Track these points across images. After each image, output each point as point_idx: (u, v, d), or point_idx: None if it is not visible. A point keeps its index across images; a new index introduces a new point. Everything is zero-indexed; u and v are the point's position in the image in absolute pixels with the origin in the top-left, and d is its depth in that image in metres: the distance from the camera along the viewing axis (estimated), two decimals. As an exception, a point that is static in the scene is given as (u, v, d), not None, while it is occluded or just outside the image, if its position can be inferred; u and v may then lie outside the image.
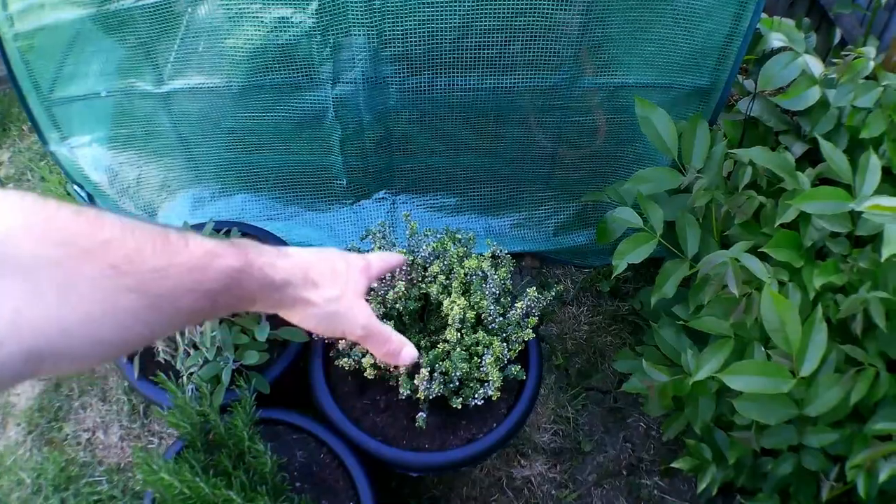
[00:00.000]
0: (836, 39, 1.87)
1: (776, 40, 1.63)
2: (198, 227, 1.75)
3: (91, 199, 2.14)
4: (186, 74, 1.80)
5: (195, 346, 1.58)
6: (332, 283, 0.67)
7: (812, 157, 1.65)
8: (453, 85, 1.77)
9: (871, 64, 1.48)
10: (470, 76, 1.75)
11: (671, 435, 1.70)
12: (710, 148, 1.66)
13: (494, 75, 1.75)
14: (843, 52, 1.60)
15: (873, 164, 1.29)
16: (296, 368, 1.67)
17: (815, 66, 1.59)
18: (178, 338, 1.59)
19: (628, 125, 1.88)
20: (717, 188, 1.62)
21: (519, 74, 1.75)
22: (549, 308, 1.58)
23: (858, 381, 1.24)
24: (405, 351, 0.73)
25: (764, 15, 1.65)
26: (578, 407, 1.92)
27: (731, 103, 1.90)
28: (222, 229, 1.77)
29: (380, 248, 1.61)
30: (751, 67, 1.81)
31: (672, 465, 1.64)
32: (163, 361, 1.65)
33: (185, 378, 1.61)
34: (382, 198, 2.08)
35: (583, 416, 1.91)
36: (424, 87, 1.78)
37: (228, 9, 1.66)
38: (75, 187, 2.13)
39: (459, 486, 1.82)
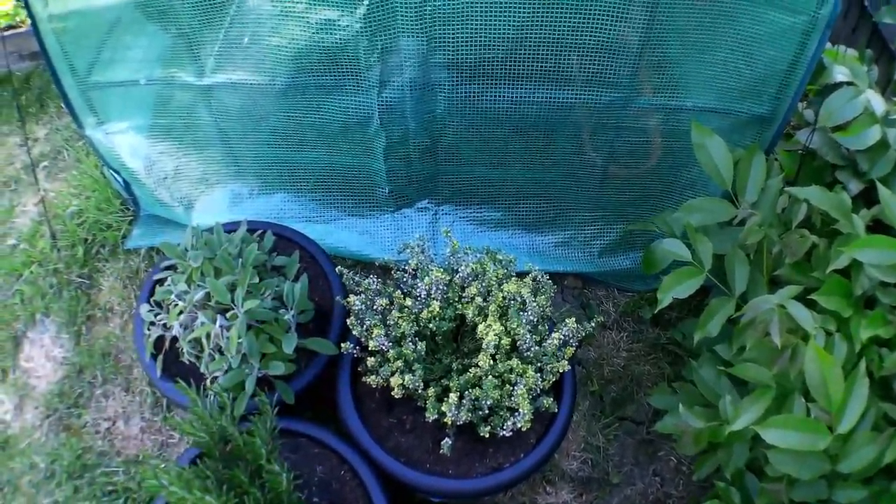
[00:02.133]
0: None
1: (839, 74, 1.63)
2: (230, 226, 1.80)
3: (127, 186, 2.21)
4: (228, 69, 1.87)
5: (220, 352, 1.64)
6: None
7: (868, 196, 1.65)
8: (504, 96, 1.82)
9: None
10: (522, 88, 1.80)
11: (703, 475, 1.74)
12: (766, 180, 1.66)
13: (547, 89, 1.79)
14: None
15: None
16: (322, 380, 1.73)
17: (878, 103, 1.60)
18: (204, 341, 1.65)
19: (682, 149, 1.90)
20: (770, 225, 1.63)
21: (573, 89, 1.79)
22: (589, 332, 1.61)
23: (894, 440, 1.26)
24: None
25: (828, 44, 1.65)
26: (610, 436, 1.96)
27: (789, 133, 1.90)
28: (256, 230, 1.82)
29: (418, 263, 1.65)
30: (812, 97, 1.81)
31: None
32: (187, 363, 1.72)
33: (207, 382, 1.68)
34: (425, 207, 2.14)
35: (613, 445, 1.95)
36: (474, 96, 1.83)
37: (274, 6, 1.71)
38: (112, 172, 2.20)
39: (482, 510, 1.87)
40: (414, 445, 1.65)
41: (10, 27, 2.74)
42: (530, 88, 1.80)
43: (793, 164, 1.79)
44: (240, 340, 1.60)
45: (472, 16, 1.66)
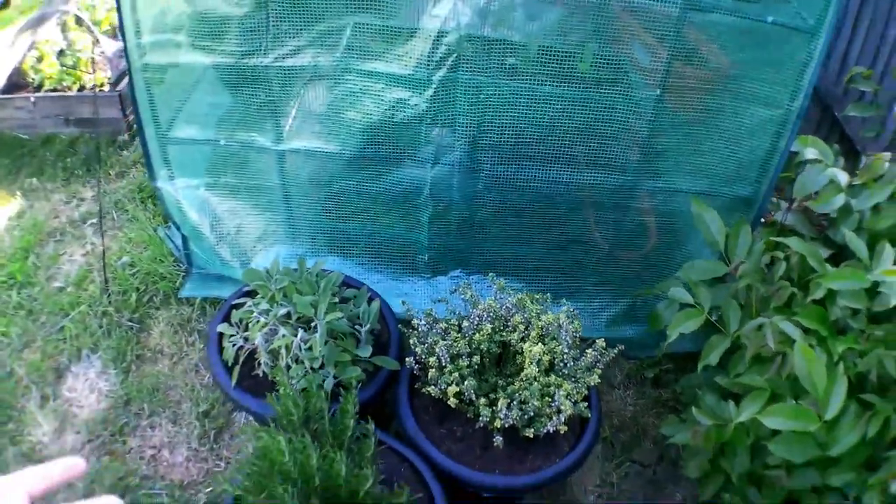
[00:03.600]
0: (863, 163, 2.51)
1: (810, 153, 2.26)
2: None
3: (185, 242, 2.66)
4: (305, 136, 2.40)
5: (298, 360, 2.06)
6: None
7: (835, 260, 2.23)
8: (535, 176, 2.37)
9: (887, 164, 2.10)
10: (550, 170, 2.36)
11: (708, 494, 2.18)
12: (751, 246, 2.25)
13: (571, 171, 2.36)
14: (865, 154, 2.24)
15: (888, 251, 1.89)
16: (382, 396, 2.14)
17: (842, 177, 2.20)
18: (283, 351, 2.07)
19: (680, 228, 2.49)
20: (756, 279, 2.19)
21: (592, 172, 2.36)
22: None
23: (872, 422, 1.76)
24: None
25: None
26: (622, 475, 2.39)
27: (768, 221, 2.52)
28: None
29: (471, 294, 2.14)
30: (785, 186, 2.44)
31: (710, 517, 2.10)
32: (261, 374, 2.13)
33: (281, 390, 2.08)
34: (457, 276, 2.65)
35: (625, 483, 2.38)
36: (510, 175, 2.38)
37: (354, 84, 2.28)
38: (168, 228, 2.65)
39: (507, 534, 2.25)
40: (464, 450, 2.06)
41: (54, 90, 3.23)
42: (556, 170, 2.35)
43: (771, 237, 2.39)
44: (321, 350, 2.03)
45: (516, 105, 2.24)
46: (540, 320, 2.10)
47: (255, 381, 2.15)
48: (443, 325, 2.11)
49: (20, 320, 2.67)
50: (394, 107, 2.29)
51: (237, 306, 2.23)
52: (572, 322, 2.11)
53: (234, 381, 2.12)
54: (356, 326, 2.13)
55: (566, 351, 2.05)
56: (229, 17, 2.20)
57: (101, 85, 3.31)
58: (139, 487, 2.30)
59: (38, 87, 3.32)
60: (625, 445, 2.47)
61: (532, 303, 2.16)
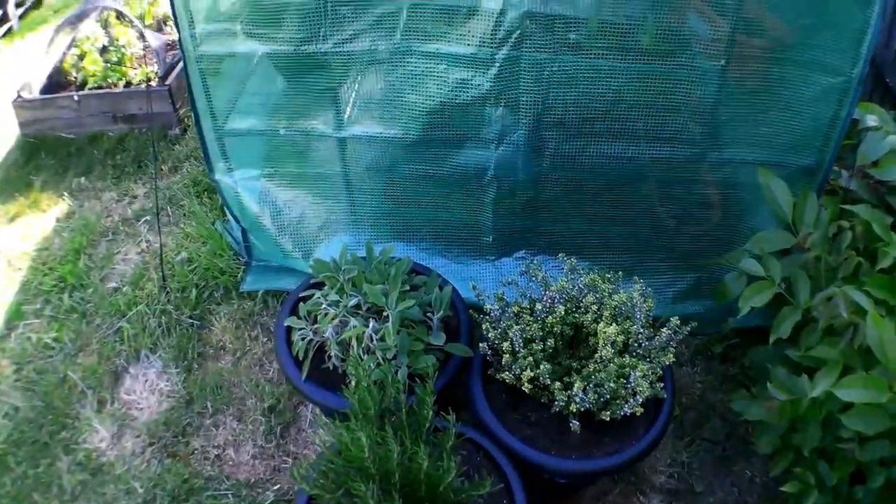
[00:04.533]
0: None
1: (870, 120, 2.26)
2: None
3: (244, 234, 2.68)
4: (366, 122, 2.43)
5: (370, 351, 2.08)
6: None
7: (896, 227, 2.24)
8: (599, 152, 2.40)
9: None
10: (615, 146, 2.39)
11: (779, 470, 2.20)
12: (818, 215, 2.25)
13: (636, 146, 2.39)
14: None
15: None
16: (454, 384, 2.16)
17: (903, 143, 2.21)
18: (354, 342, 2.08)
19: (744, 200, 2.50)
20: (824, 246, 2.19)
21: (657, 146, 2.39)
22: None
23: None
24: None
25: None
26: (692, 453, 2.41)
27: (830, 189, 2.51)
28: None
29: (543, 276, 2.14)
30: (847, 154, 2.43)
31: (782, 488, 2.10)
32: (330, 367, 2.15)
33: (353, 382, 2.10)
34: (522, 257, 2.69)
35: (695, 461, 2.40)
36: (575, 153, 2.41)
37: (416, 66, 2.28)
38: (226, 222, 2.67)
39: (582, 517, 2.27)
40: (539, 435, 2.08)
41: (98, 87, 3.25)
42: (622, 146, 2.38)
43: (834, 205, 2.39)
44: (394, 340, 2.04)
45: (580, 81, 2.26)
46: (612, 300, 2.12)
47: (324, 374, 2.18)
48: (515, 308, 2.12)
49: (73, 324, 2.74)
50: (456, 88, 2.32)
51: (304, 299, 2.26)
52: (645, 301, 2.11)
53: (304, 375, 2.14)
54: (427, 314, 2.15)
55: (641, 331, 2.06)
56: (286, 3, 2.23)
57: (149, 80, 3.32)
58: (204, 489, 2.36)
59: (82, 86, 3.37)
60: (694, 423, 2.49)
61: (603, 282, 2.17)
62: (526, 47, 2.18)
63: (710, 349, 2.66)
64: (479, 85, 2.28)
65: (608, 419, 2.02)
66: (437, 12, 2.21)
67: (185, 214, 3.00)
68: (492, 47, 2.19)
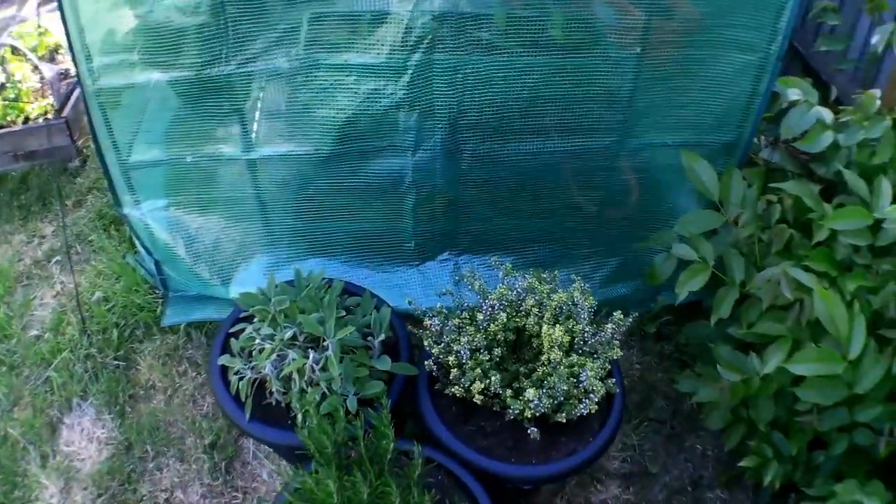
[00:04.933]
0: (833, 96, 2.46)
1: (793, 94, 2.20)
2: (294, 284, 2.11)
3: (158, 267, 2.47)
4: (275, 141, 2.24)
5: (313, 383, 1.93)
6: None
7: (823, 195, 2.20)
8: (518, 150, 2.28)
9: (878, 102, 2.05)
10: (534, 141, 2.27)
11: (733, 444, 2.16)
12: (745, 193, 2.18)
13: (555, 139, 2.28)
14: (853, 95, 2.19)
15: (886, 186, 1.87)
16: (401, 400, 2.03)
17: (827, 115, 2.16)
18: (296, 376, 1.93)
19: (665, 182, 2.42)
20: (756, 224, 2.13)
21: (576, 138, 2.27)
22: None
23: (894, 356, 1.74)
24: None
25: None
26: (641, 435, 2.35)
27: (750, 159, 2.46)
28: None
29: (480, 286, 2.02)
30: (764, 127, 2.37)
31: (740, 464, 2.06)
32: (273, 403, 1.99)
33: (299, 416, 1.95)
34: (446, 259, 2.55)
35: (645, 443, 2.34)
36: (494, 152, 2.28)
37: (325, 80, 2.11)
38: (137, 254, 2.45)
39: (543, 514, 2.19)
40: (496, 445, 1.98)
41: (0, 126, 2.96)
42: (540, 141, 2.26)
43: (759, 179, 2.34)
44: (339, 371, 1.89)
45: (495, 81, 2.12)
46: (552, 300, 2.01)
47: (267, 411, 2.02)
48: (456, 321, 1.99)
49: (3, 377, 2.47)
50: (368, 98, 2.15)
51: (233, 334, 2.08)
52: (587, 298, 2.01)
53: (248, 415, 1.98)
54: (367, 337, 2.00)
55: (586, 329, 1.96)
56: (184, 28, 2.01)
57: (46, 113, 3.02)
58: (160, 536, 2.16)
59: None
60: (638, 405, 2.44)
61: (541, 283, 2.06)
62: (438, 51, 2.02)
63: (644, 329, 2.60)
64: (391, 94, 2.11)
65: (564, 420, 1.94)
66: (342, 21, 2.02)
67: (94, 251, 2.74)
68: (403, 53, 2.02)
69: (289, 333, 1.95)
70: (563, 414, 1.92)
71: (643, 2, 1.99)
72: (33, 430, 2.35)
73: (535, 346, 2.03)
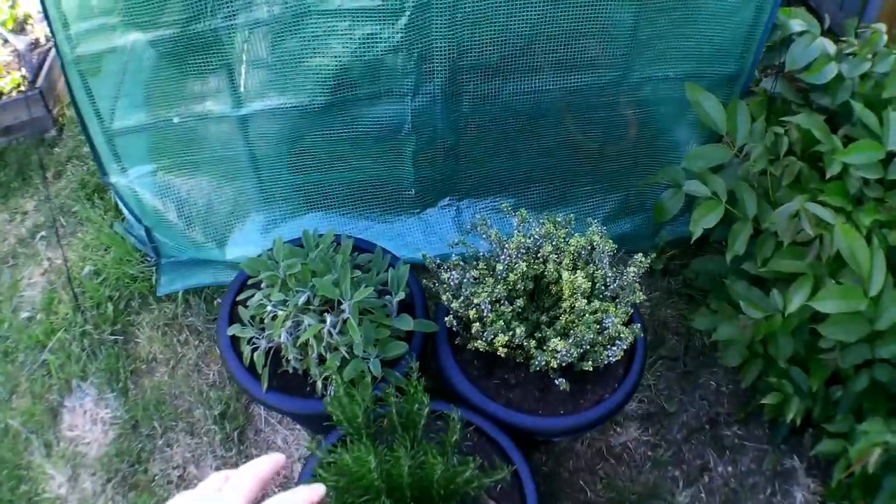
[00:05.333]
0: (826, 25, 2.34)
1: (797, 25, 2.07)
2: (295, 242, 1.95)
3: (149, 234, 2.28)
4: (268, 95, 2.04)
5: (332, 348, 1.78)
6: None
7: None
8: (520, 89, 2.11)
9: (885, 37, 1.94)
10: (536, 80, 2.11)
11: (750, 380, 2.08)
12: (752, 126, 2.06)
13: (557, 77, 2.11)
14: (857, 30, 2.07)
15: (894, 118, 1.75)
16: (423, 358, 1.90)
17: (830, 46, 2.05)
18: (313, 341, 1.78)
19: (666, 115, 2.29)
20: (766, 158, 2.02)
21: (578, 74, 2.12)
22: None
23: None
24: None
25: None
26: (656, 375, 2.26)
27: (749, 91, 2.34)
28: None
29: (496, 234, 1.88)
30: (764, 59, 2.25)
31: (763, 401, 1.99)
32: (290, 371, 1.84)
33: (318, 383, 1.81)
34: (447, 204, 2.38)
35: (660, 382, 2.25)
36: (494, 93, 2.11)
37: (317, 27, 1.91)
38: (124, 222, 2.26)
39: (565, 459, 2.11)
40: (522, 397, 1.86)
41: None
42: (542, 79, 2.10)
43: (761, 110, 2.22)
44: (360, 335, 1.74)
45: (495, 18, 1.94)
46: (569, 245, 1.88)
47: (283, 379, 1.87)
48: (474, 273, 1.86)
49: (-2, 366, 2.26)
50: (364, 43, 1.94)
51: (240, 302, 1.92)
52: (606, 242, 1.89)
53: (265, 386, 1.83)
54: (384, 295, 1.86)
55: (608, 274, 1.84)
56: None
57: (19, 86, 2.76)
58: (176, 516, 2.01)
59: None
60: (650, 343, 2.33)
61: (556, 228, 1.93)
62: None
63: (650, 265, 2.49)
64: (388, 38, 1.93)
65: (591, 369, 1.83)
66: None
67: (80, 222, 2.52)
68: None
69: (302, 298, 1.80)
70: (590, 362, 1.81)
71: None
72: (34, 419, 2.18)
73: (553, 292, 1.91)
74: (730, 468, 2.14)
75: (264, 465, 0.79)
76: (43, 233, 2.53)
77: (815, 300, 1.72)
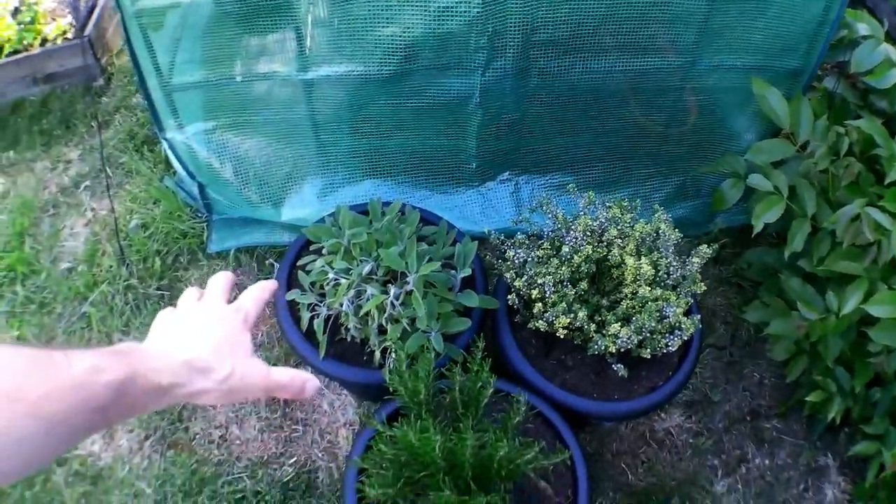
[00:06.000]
0: (884, 28, 2.37)
1: (862, 29, 2.11)
2: (357, 208, 1.97)
3: (202, 190, 2.29)
4: (334, 61, 2.04)
5: (395, 320, 1.81)
6: (219, 363, 0.75)
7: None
8: (589, 68, 2.14)
9: None
10: (605, 60, 2.13)
11: (795, 375, 2.14)
12: (814, 124, 2.10)
13: (626, 59, 2.13)
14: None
15: None
16: (480, 334, 1.93)
17: (893, 53, 2.08)
18: (375, 312, 1.81)
19: (728, 104, 2.31)
20: (829, 157, 2.06)
21: (648, 58, 2.13)
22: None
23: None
24: (308, 385, 0.85)
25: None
26: (703, 363, 2.31)
27: (811, 88, 2.37)
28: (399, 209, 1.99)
29: (562, 215, 1.91)
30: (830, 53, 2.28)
31: (807, 398, 2.05)
32: (347, 339, 1.87)
33: (377, 353, 1.85)
34: (506, 179, 2.41)
35: (707, 370, 2.30)
36: (563, 71, 2.13)
37: (391, -2, 1.92)
38: (174, 176, 2.27)
39: (609, 442, 2.16)
40: (578, 380, 1.91)
41: (15, 52, 2.69)
42: (612, 60, 2.12)
43: (822, 108, 2.25)
44: (424, 307, 1.77)
45: (571, -5, 1.97)
46: (635, 231, 1.91)
47: (341, 348, 1.90)
48: (539, 252, 1.89)
49: (33, 317, 2.29)
50: (441, 16, 1.95)
51: (299, 267, 1.94)
52: (672, 230, 1.92)
53: (322, 353, 1.86)
54: (449, 269, 1.89)
55: (673, 263, 1.88)
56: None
57: (64, 33, 2.74)
58: (216, 476, 2.07)
59: None
60: (700, 331, 2.37)
61: (623, 213, 1.96)
62: None
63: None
64: (464, 11, 1.94)
65: (649, 356, 1.87)
66: None
67: (127, 173, 2.53)
68: None
69: (367, 268, 1.83)
70: (648, 350, 1.85)
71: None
72: (69, 371, 2.20)
73: (614, 276, 1.94)
74: (766, 461, 2.20)
75: (266, 291, 0.92)
76: (87, 182, 2.54)
77: (869, 304, 1.78)
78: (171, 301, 2.30)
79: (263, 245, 2.40)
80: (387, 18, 1.97)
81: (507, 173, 2.42)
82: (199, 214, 2.44)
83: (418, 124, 2.23)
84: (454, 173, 2.38)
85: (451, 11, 1.94)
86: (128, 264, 2.33)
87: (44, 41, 2.75)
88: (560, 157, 2.39)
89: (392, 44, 2.01)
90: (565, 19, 2.01)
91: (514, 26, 2.00)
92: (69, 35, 2.77)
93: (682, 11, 2.04)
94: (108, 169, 2.53)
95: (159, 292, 2.32)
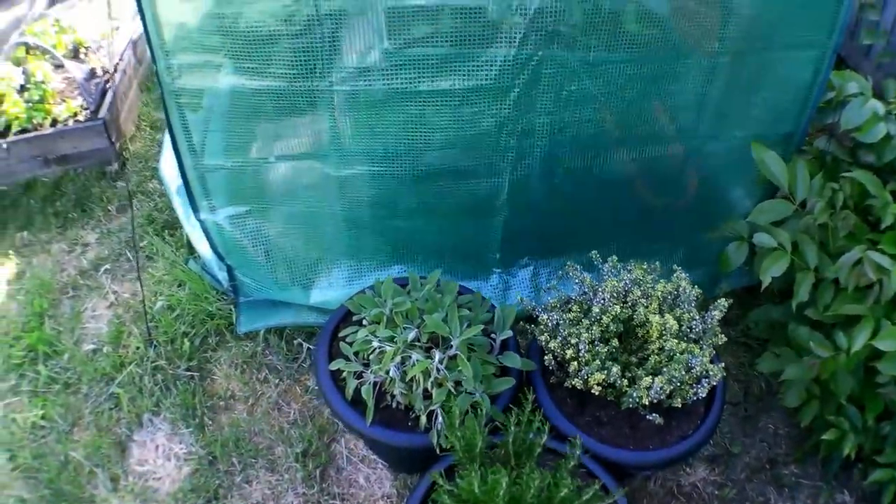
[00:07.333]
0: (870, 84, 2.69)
1: (852, 87, 2.40)
2: (400, 281, 2.16)
3: (230, 272, 2.45)
4: (368, 160, 2.26)
5: (439, 384, 1.99)
6: None
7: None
8: (608, 160, 2.41)
9: None
10: (623, 151, 2.41)
11: (808, 420, 2.36)
12: (811, 181, 2.37)
13: (643, 147, 2.42)
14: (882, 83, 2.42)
15: None
16: (517, 395, 2.11)
17: (880, 108, 2.37)
18: (419, 376, 1.98)
19: (727, 172, 2.58)
20: (827, 212, 2.33)
21: (663, 144, 2.42)
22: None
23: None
24: None
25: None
26: (721, 419, 2.49)
27: (801, 150, 2.66)
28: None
29: (590, 281, 2.13)
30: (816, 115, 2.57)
31: (823, 437, 2.26)
32: (393, 406, 2.04)
33: (422, 417, 2.01)
34: (526, 264, 2.66)
35: (724, 426, 2.51)
36: (585, 164, 2.40)
37: (425, 105, 2.13)
38: (197, 259, 2.42)
39: (640, 498, 2.34)
40: (614, 433, 2.10)
41: (24, 130, 2.83)
42: (629, 149, 2.40)
43: (816, 167, 2.54)
44: (472, 371, 1.95)
45: (597, 97, 2.22)
46: (656, 290, 2.14)
47: (386, 414, 2.06)
48: (570, 315, 2.09)
49: (57, 397, 2.41)
50: (471, 120, 2.18)
51: (339, 339, 2.11)
52: (692, 287, 2.15)
53: (369, 420, 2.01)
54: (489, 334, 2.08)
55: (695, 318, 2.10)
56: (277, 34, 2.00)
57: (75, 114, 2.91)
58: (258, 554, 2.17)
59: (5, 131, 2.89)
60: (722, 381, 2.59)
61: (645, 275, 2.18)
62: (545, 67, 2.09)
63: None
64: (495, 114, 2.16)
65: (680, 405, 2.07)
66: (448, 43, 2.03)
67: (148, 257, 2.69)
68: (512, 73, 2.07)
69: (411, 335, 2.01)
70: (678, 399, 2.05)
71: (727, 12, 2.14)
72: (99, 452, 2.32)
73: (640, 335, 2.15)
74: (789, 504, 2.40)
75: None
76: (107, 266, 2.68)
77: (877, 339, 2.04)
78: (202, 382, 2.44)
79: (292, 325, 2.56)
80: (421, 122, 2.18)
81: (526, 258, 2.66)
82: (227, 296, 2.60)
83: (448, 219, 2.45)
84: (479, 261, 2.60)
85: (483, 114, 2.17)
86: (155, 345, 2.46)
87: (54, 122, 2.92)
88: (575, 240, 2.63)
89: (424, 146, 2.22)
90: (589, 118, 2.27)
91: (542, 126, 2.25)
92: (80, 117, 2.95)
93: (693, 99, 2.32)
94: (127, 252, 2.68)
95: (189, 373, 2.46)
